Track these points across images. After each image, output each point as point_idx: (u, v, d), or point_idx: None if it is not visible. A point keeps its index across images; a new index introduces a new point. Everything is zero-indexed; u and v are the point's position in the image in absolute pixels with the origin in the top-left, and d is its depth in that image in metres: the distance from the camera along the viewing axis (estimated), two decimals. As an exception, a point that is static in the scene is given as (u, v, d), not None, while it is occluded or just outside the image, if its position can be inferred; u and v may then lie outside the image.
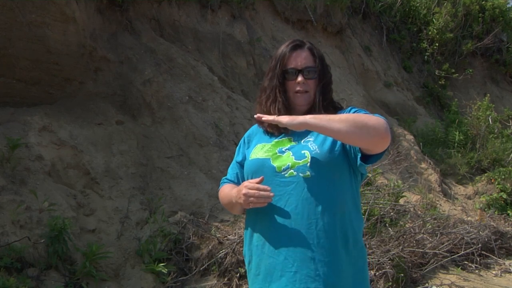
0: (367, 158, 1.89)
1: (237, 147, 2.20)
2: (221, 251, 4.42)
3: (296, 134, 1.97)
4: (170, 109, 5.75)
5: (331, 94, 2.09)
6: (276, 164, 1.92)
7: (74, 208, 4.32)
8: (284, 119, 1.81)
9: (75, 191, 4.52)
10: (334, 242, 1.86)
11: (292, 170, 1.89)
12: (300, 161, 1.89)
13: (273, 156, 1.95)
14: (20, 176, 4.21)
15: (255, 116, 1.91)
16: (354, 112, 1.95)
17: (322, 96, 2.03)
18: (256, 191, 1.80)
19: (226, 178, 2.17)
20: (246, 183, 1.86)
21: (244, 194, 1.82)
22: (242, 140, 2.18)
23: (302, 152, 1.91)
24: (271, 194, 1.80)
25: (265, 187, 1.81)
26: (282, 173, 1.90)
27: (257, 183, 1.83)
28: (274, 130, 2.03)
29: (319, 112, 1.99)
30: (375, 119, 1.80)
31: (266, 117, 1.86)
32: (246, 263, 2.02)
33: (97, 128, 5.12)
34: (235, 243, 4.39)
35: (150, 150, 5.33)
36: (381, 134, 1.78)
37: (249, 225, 1.99)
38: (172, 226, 4.59)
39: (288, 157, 1.92)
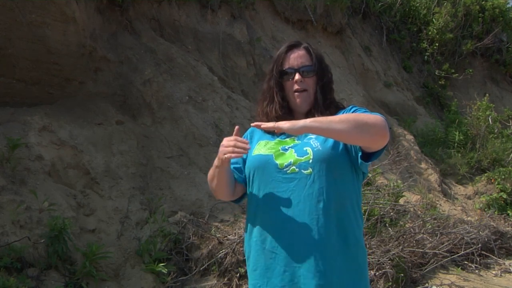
0: (367, 156, 1.90)
1: None
2: (221, 251, 4.42)
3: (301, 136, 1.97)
4: (170, 109, 5.75)
5: (333, 94, 2.09)
6: (278, 161, 1.92)
7: (74, 208, 4.32)
8: (285, 125, 1.76)
9: (75, 191, 4.52)
10: (335, 239, 1.87)
11: (294, 167, 1.89)
12: (302, 158, 1.90)
13: (276, 153, 1.95)
14: (20, 176, 4.20)
15: (252, 124, 1.87)
16: (354, 111, 1.95)
17: (323, 96, 2.02)
18: (233, 141, 1.85)
19: None
20: (224, 139, 1.91)
21: (221, 146, 1.88)
22: (244, 136, 2.16)
23: (304, 149, 1.92)
24: (247, 146, 1.84)
25: (243, 139, 1.87)
26: (284, 169, 1.90)
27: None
28: (272, 132, 2.03)
29: (321, 112, 1.99)
30: (374, 117, 1.81)
31: (265, 125, 1.81)
32: (246, 258, 2.03)
33: (97, 128, 5.12)
34: (235, 243, 4.39)
35: (150, 150, 5.33)
36: (380, 132, 1.79)
37: (249, 221, 1.99)
38: (172, 226, 4.59)
39: (291, 154, 1.93)
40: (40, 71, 5.12)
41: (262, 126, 1.82)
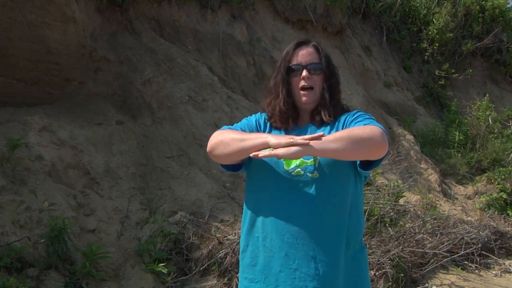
0: (367, 165, 1.90)
1: (245, 121, 2.11)
2: (221, 251, 4.42)
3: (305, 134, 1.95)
4: (170, 109, 5.75)
5: (340, 95, 2.07)
6: (285, 162, 1.92)
7: (74, 208, 4.32)
8: (280, 151, 1.71)
9: (75, 191, 4.52)
10: (337, 242, 1.87)
11: (299, 169, 1.89)
12: (308, 161, 1.89)
13: None
14: (20, 176, 4.20)
15: (251, 155, 1.79)
16: (358, 116, 1.95)
17: (330, 96, 2.01)
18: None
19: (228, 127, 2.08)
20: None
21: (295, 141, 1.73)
22: (254, 120, 2.10)
23: None
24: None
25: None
26: (290, 171, 1.90)
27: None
28: (282, 126, 2.01)
29: (327, 110, 1.97)
30: (370, 130, 1.79)
31: (262, 153, 1.76)
32: (241, 251, 2.01)
33: (97, 128, 5.12)
34: (235, 243, 4.39)
35: (150, 150, 5.33)
36: (377, 144, 1.78)
37: (249, 216, 1.97)
38: (172, 226, 4.59)
39: None
40: (40, 71, 5.12)
41: (260, 155, 1.76)
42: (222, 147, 1.90)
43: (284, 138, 1.75)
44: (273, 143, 1.75)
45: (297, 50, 2.01)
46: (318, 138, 1.73)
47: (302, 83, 1.98)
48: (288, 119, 2.01)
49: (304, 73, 1.97)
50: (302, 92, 1.99)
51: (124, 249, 4.30)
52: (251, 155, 1.79)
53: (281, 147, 1.73)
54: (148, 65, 5.92)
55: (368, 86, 9.43)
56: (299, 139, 1.72)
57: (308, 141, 1.71)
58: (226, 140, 1.90)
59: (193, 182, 5.21)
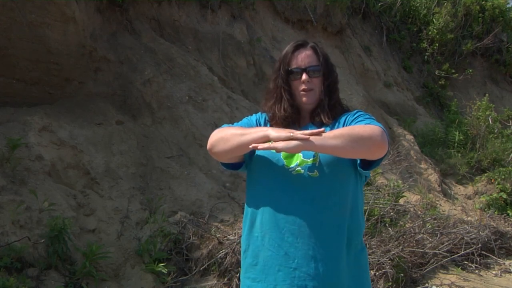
0: (367, 165, 1.90)
1: (245, 121, 2.12)
2: (221, 251, 4.42)
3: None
4: (170, 109, 5.76)
5: (338, 94, 2.08)
6: (286, 160, 1.92)
7: (74, 208, 4.32)
8: (279, 145, 1.74)
9: (75, 191, 4.52)
10: (337, 242, 1.86)
11: (299, 168, 1.89)
12: (308, 160, 1.89)
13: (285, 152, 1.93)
14: (20, 176, 4.20)
15: (250, 146, 1.81)
16: (358, 116, 1.96)
17: (329, 96, 2.02)
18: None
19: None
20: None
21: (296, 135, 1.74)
22: (254, 120, 2.12)
23: None
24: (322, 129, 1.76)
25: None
26: (290, 170, 1.90)
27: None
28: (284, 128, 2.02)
29: (326, 112, 1.98)
30: (370, 129, 1.79)
31: (261, 145, 1.78)
32: (242, 251, 2.01)
33: (97, 128, 5.12)
34: (235, 243, 4.39)
35: (150, 150, 5.33)
36: (377, 144, 1.78)
37: (249, 216, 1.97)
38: (172, 226, 4.60)
39: (298, 156, 1.92)
40: (40, 71, 5.12)
41: (259, 147, 1.79)
42: (223, 143, 1.91)
43: (284, 132, 1.78)
44: (273, 136, 1.77)
45: (295, 52, 2.02)
46: (318, 134, 1.74)
47: (303, 86, 1.99)
48: (292, 121, 2.01)
49: (304, 76, 1.98)
50: (302, 92, 2.00)
51: (124, 249, 4.30)
52: (250, 146, 1.81)
53: (281, 141, 1.74)
54: (148, 65, 5.92)
55: (368, 86, 9.43)
56: (299, 133, 1.74)
57: (308, 136, 1.73)
58: (226, 136, 1.91)
59: (193, 182, 5.21)
